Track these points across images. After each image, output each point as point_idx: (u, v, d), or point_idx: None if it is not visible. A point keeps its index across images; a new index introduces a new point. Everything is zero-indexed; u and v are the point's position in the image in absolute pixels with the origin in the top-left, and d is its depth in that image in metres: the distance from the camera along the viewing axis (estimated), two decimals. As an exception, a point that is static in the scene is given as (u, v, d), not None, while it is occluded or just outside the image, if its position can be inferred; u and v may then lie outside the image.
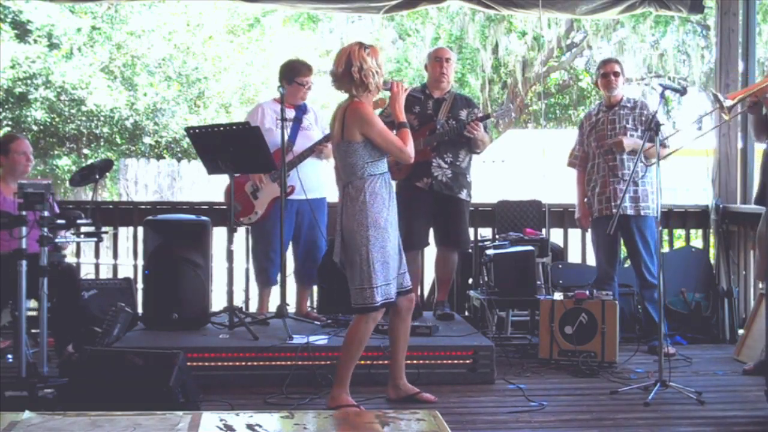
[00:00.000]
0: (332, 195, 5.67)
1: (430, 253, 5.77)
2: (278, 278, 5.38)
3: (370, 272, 3.87)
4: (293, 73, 5.36)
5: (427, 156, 5.28)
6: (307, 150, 5.24)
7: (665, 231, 6.43)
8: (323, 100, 14.42)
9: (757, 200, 4.99)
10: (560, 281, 6.01)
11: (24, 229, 4.04)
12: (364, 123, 3.89)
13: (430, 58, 5.51)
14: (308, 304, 5.71)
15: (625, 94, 5.55)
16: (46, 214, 4.04)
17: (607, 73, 5.47)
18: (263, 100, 5.24)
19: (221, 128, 5.06)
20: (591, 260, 6.57)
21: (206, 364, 4.50)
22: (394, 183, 4.14)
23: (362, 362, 4.38)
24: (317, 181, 5.35)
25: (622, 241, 5.59)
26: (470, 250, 6.43)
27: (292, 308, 5.47)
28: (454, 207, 5.38)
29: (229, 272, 5.16)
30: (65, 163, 13.42)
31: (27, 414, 2.76)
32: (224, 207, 5.55)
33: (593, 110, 5.69)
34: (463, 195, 5.40)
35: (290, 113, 5.32)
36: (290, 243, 5.36)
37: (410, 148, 4.00)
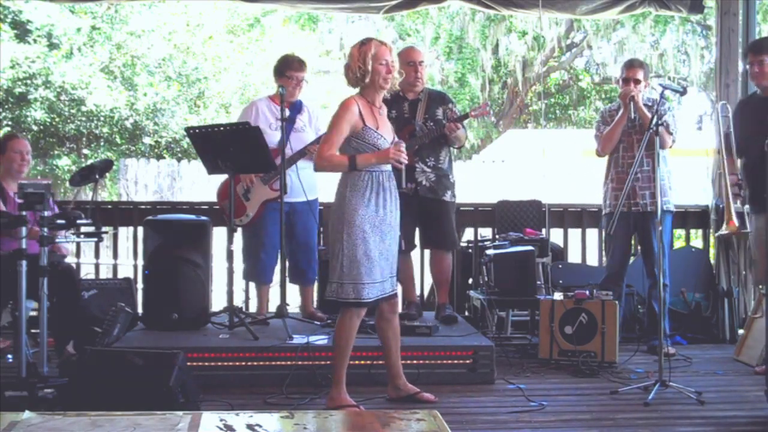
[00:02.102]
0: (324, 196, 5.69)
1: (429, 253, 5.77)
2: (273, 277, 5.41)
3: (339, 267, 3.89)
4: (283, 66, 5.37)
5: (410, 161, 5.27)
6: (297, 153, 5.22)
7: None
8: (323, 100, 14.43)
9: (757, 209, 5.00)
10: (560, 281, 6.01)
11: (24, 229, 4.04)
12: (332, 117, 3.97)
13: (401, 63, 5.41)
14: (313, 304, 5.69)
15: (645, 93, 5.52)
16: (46, 214, 4.04)
17: (628, 79, 5.40)
18: (257, 98, 5.23)
19: (221, 128, 5.06)
20: (591, 260, 6.58)
21: (206, 364, 4.50)
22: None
23: (362, 362, 4.40)
24: (310, 182, 5.34)
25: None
26: (470, 251, 6.44)
27: (291, 308, 5.47)
28: (439, 209, 5.36)
29: (229, 272, 5.16)
30: (65, 163, 13.41)
31: (27, 414, 2.75)
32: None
33: (614, 106, 5.67)
34: (448, 197, 5.37)
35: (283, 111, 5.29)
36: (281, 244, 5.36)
37: (321, 164, 3.96)
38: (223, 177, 5.33)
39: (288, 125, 5.29)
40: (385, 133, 4.00)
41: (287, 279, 5.47)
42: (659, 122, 4.59)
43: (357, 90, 4.02)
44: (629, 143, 5.44)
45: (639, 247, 5.66)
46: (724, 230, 5.23)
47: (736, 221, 4.98)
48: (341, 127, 3.92)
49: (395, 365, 4.20)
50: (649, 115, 5.30)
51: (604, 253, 6.12)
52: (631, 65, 5.50)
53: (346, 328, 3.97)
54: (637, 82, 5.39)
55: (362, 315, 4.01)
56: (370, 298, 3.92)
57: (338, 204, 3.94)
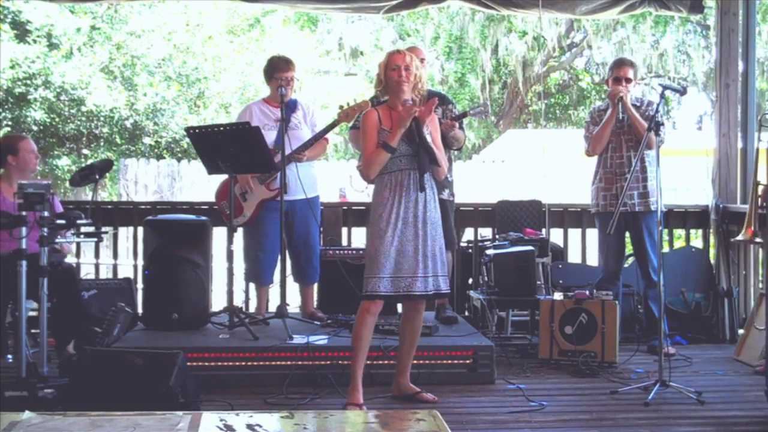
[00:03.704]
0: (326, 195, 5.70)
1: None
2: (273, 278, 5.40)
3: (367, 263, 4.06)
4: (272, 69, 5.38)
5: None
6: (289, 154, 5.22)
7: (665, 231, 6.43)
8: (323, 100, 14.42)
9: None
10: (560, 281, 6.01)
11: (24, 229, 4.04)
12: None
13: None
14: (314, 304, 5.69)
15: (634, 93, 5.53)
16: (46, 214, 4.04)
17: (619, 78, 5.40)
18: (252, 101, 5.27)
19: (221, 128, 5.05)
20: (591, 260, 6.58)
21: (206, 364, 4.50)
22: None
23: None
24: (309, 180, 5.34)
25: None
26: (470, 251, 6.44)
27: (291, 308, 5.47)
28: None
29: (229, 272, 5.16)
30: (65, 163, 13.39)
31: (27, 414, 2.75)
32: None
33: (602, 106, 5.67)
34: (445, 195, 5.35)
35: (277, 113, 5.29)
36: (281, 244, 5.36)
37: (368, 167, 4.06)
38: (222, 177, 5.34)
39: (281, 125, 5.29)
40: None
41: (291, 277, 5.49)
42: (659, 122, 4.60)
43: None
44: (618, 143, 5.45)
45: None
46: (740, 237, 5.37)
47: (753, 228, 5.03)
48: (369, 135, 4.10)
49: (400, 363, 4.25)
50: (638, 116, 5.32)
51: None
52: (622, 63, 5.50)
53: (357, 323, 4.05)
54: (628, 80, 5.39)
55: (373, 310, 4.02)
56: (380, 292, 3.97)
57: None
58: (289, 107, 5.37)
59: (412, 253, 4.02)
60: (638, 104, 5.48)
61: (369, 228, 4.11)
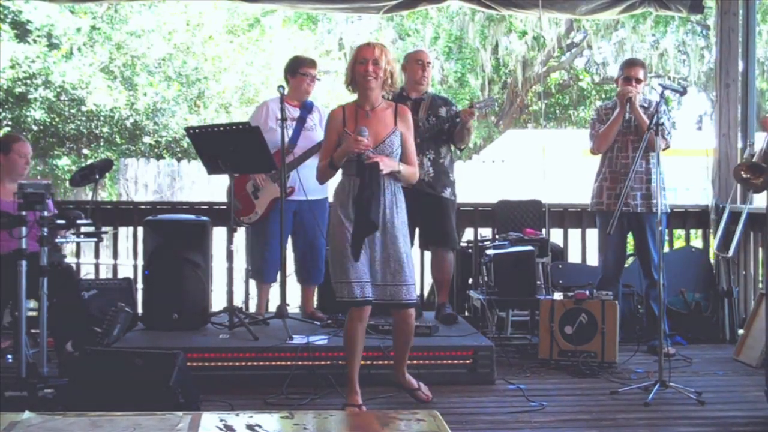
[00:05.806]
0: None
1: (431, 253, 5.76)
2: (276, 277, 5.40)
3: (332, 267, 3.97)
4: (297, 64, 5.41)
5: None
6: (308, 152, 5.23)
7: (665, 231, 6.43)
8: (323, 100, 14.42)
9: None
10: (560, 281, 6.01)
11: (24, 229, 4.04)
12: None
13: (410, 61, 5.46)
14: (314, 304, 5.69)
15: (642, 95, 5.52)
16: (45, 214, 4.04)
17: (629, 77, 5.38)
18: (269, 98, 5.31)
19: (221, 128, 5.05)
20: (591, 260, 6.58)
21: (206, 364, 4.50)
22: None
23: (362, 362, 4.38)
24: (311, 182, 5.34)
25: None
26: (470, 251, 6.44)
27: (291, 308, 5.47)
28: (438, 206, 5.33)
29: (229, 272, 5.16)
30: (65, 163, 13.40)
31: (27, 414, 2.74)
32: (224, 207, 5.56)
33: (609, 104, 5.66)
34: (447, 194, 5.36)
35: (295, 112, 5.33)
36: (288, 243, 5.36)
37: (319, 177, 4.12)
38: (224, 176, 5.34)
39: (298, 124, 5.33)
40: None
41: (295, 277, 5.49)
42: (659, 122, 4.60)
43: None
44: (623, 143, 5.44)
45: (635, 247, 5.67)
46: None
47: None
48: (328, 137, 4.04)
49: (396, 364, 4.22)
50: (644, 117, 5.31)
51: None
52: (633, 63, 5.49)
53: (347, 330, 3.98)
54: (638, 81, 5.38)
55: (357, 316, 3.91)
56: (357, 297, 3.85)
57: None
58: (306, 108, 5.40)
59: (373, 260, 3.89)
60: (646, 105, 5.46)
61: (328, 229, 4.00)
